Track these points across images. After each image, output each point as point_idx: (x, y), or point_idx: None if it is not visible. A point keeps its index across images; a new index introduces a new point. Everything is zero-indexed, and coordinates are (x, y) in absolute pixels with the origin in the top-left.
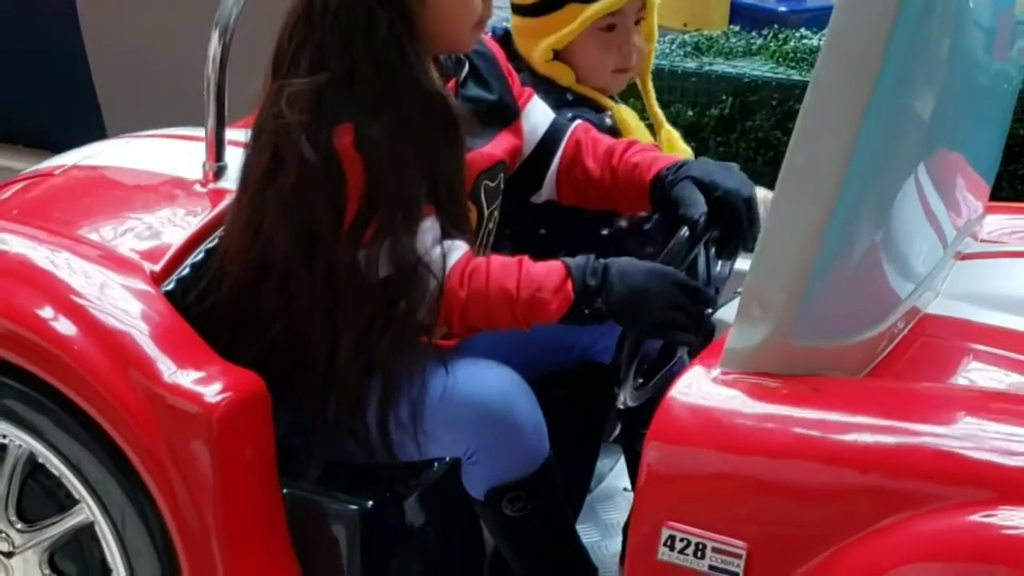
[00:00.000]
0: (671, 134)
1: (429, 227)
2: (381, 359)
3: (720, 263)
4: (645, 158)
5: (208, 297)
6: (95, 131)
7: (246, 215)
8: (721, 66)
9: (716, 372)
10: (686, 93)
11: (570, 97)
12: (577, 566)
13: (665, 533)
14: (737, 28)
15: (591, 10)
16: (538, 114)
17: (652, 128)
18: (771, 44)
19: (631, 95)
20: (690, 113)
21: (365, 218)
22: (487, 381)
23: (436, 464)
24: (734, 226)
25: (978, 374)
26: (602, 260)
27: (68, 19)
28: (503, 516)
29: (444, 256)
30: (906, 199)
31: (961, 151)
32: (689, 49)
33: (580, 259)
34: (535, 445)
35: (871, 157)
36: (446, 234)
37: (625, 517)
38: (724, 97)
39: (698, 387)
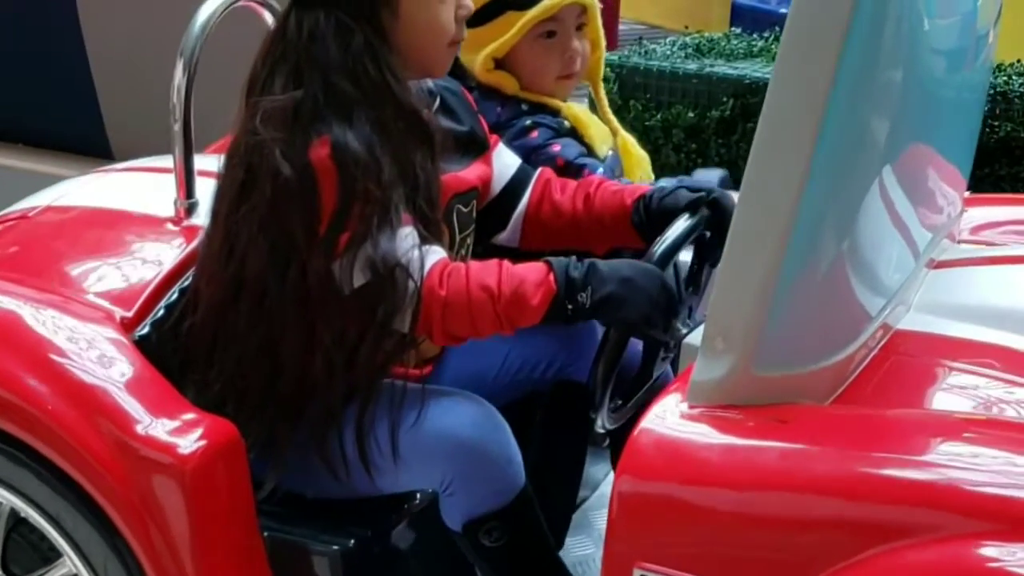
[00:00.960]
0: (626, 139)
1: (408, 233)
2: (358, 376)
3: (707, 269)
4: (626, 186)
5: (184, 321)
6: (96, 130)
7: (221, 234)
8: (722, 68)
9: (683, 405)
10: (687, 95)
11: (525, 107)
12: None
13: (637, 574)
14: (738, 30)
15: (527, 16)
16: (506, 158)
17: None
18: (772, 46)
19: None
20: (691, 115)
21: (339, 227)
22: (460, 413)
23: (417, 497)
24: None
25: (954, 392)
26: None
27: (68, 18)
28: (482, 547)
29: (422, 259)
30: (871, 211)
31: (930, 154)
32: (690, 51)
33: (560, 258)
34: (509, 477)
35: (831, 170)
36: (424, 241)
37: None
38: (725, 99)
39: (666, 420)
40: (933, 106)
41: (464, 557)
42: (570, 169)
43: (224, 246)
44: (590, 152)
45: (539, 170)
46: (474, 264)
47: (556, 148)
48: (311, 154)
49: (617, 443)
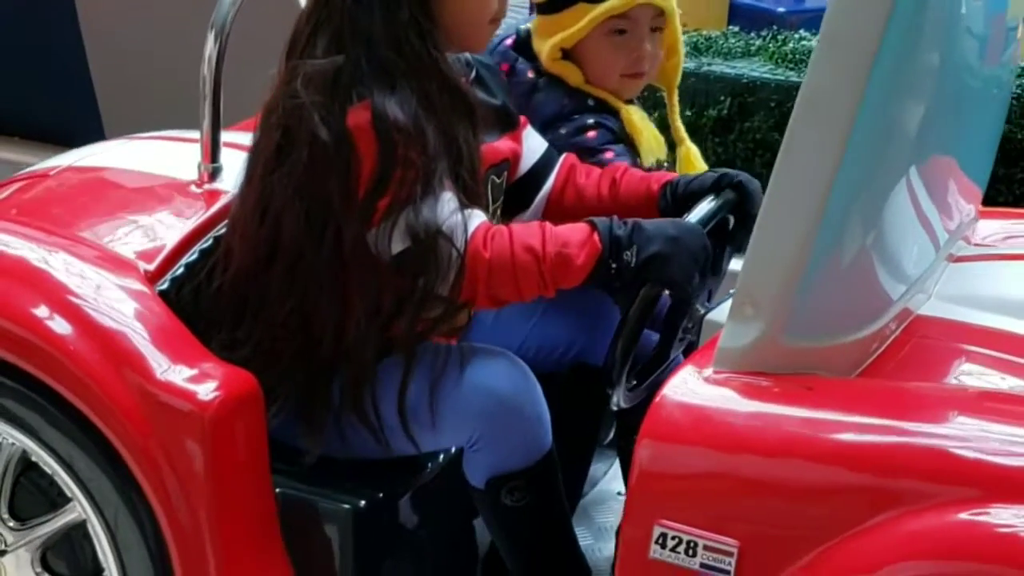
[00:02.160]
0: (691, 150)
1: (449, 199)
2: (399, 341)
3: (728, 253)
4: (652, 173)
5: (213, 281)
6: (93, 124)
7: (255, 196)
8: (719, 67)
9: (708, 371)
10: (684, 93)
11: (591, 102)
12: (572, 564)
13: (657, 531)
14: (736, 29)
15: (598, 10)
16: (532, 141)
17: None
18: (770, 45)
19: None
20: (688, 113)
21: (378, 193)
22: (498, 369)
23: (430, 464)
24: (751, 212)
25: (970, 375)
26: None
27: (65, 10)
28: (501, 506)
29: (465, 222)
30: (897, 201)
31: (953, 155)
32: (687, 49)
33: (603, 218)
34: (539, 436)
35: (862, 159)
36: (464, 207)
37: (618, 521)
38: (722, 98)
39: (690, 386)
40: (962, 104)
41: (470, 529)
42: None
43: (258, 208)
44: (634, 163)
45: (564, 155)
46: (516, 226)
47: (609, 155)
48: (350, 119)
49: (622, 435)
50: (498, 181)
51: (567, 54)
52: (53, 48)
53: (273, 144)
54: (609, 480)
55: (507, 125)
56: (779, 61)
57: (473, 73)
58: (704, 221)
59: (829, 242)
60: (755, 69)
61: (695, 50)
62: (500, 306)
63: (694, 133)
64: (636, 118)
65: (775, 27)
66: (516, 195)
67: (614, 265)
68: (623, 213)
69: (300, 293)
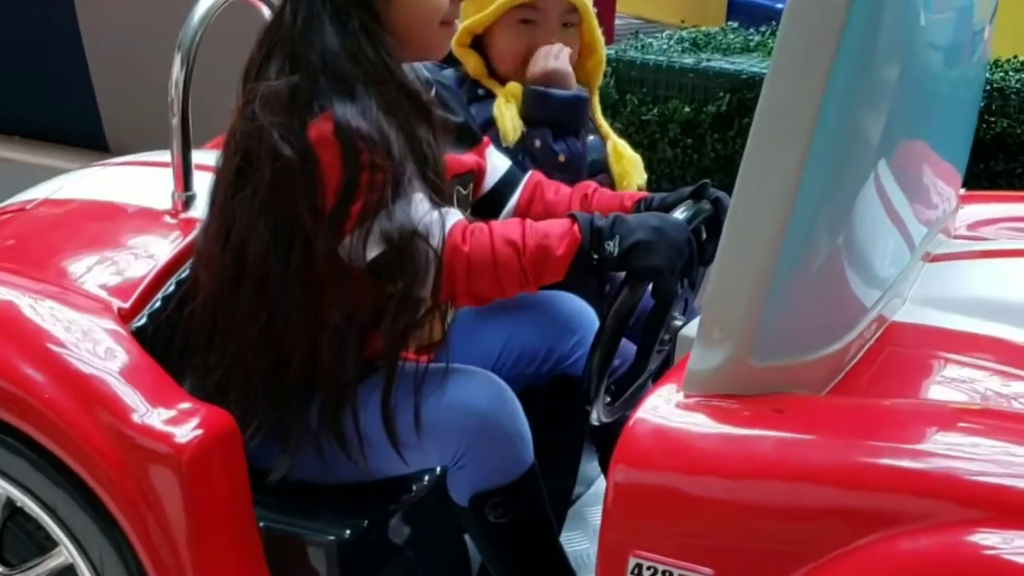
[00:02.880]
0: (617, 144)
1: (421, 199)
2: (380, 353)
3: (701, 268)
4: (626, 192)
5: (182, 311)
6: (90, 122)
7: (218, 220)
8: (719, 62)
9: (679, 395)
10: (683, 89)
11: (481, 92)
12: None
13: (632, 562)
14: (735, 24)
15: None
16: (495, 159)
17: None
18: (769, 41)
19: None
20: (687, 109)
21: (348, 200)
22: (475, 387)
23: (413, 488)
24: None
25: (949, 383)
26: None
27: (65, 9)
28: (487, 523)
29: (442, 219)
30: (867, 204)
31: (926, 149)
32: (687, 45)
33: (584, 212)
34: (520, 453)
35: (827, 163)
36: (439, 205)
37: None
38: (722, 93)
39: (661, 410)
40: (929, 101)
41: (462, 548)
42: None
43: (221, 232)
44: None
45: (529, 172)
46: (495, 222)
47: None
48: (312, 132)
49: (605, 446)
50: (464, 192)
51: (476, 43)
52: (52, 46)
53: (233, 168)
54: (603, 479)
55: (470, 140)
56: None
57: (432, 91)
58: (686, 220)
59: (794, 258)
60: (754, 65)
61: (694, 46)
62: (481, 303)
63: (693, 129)
64: (502, 106)
65: (774, 22)
66: (481, 212)
67: (595, 256)
68: None
69: (268, 312)
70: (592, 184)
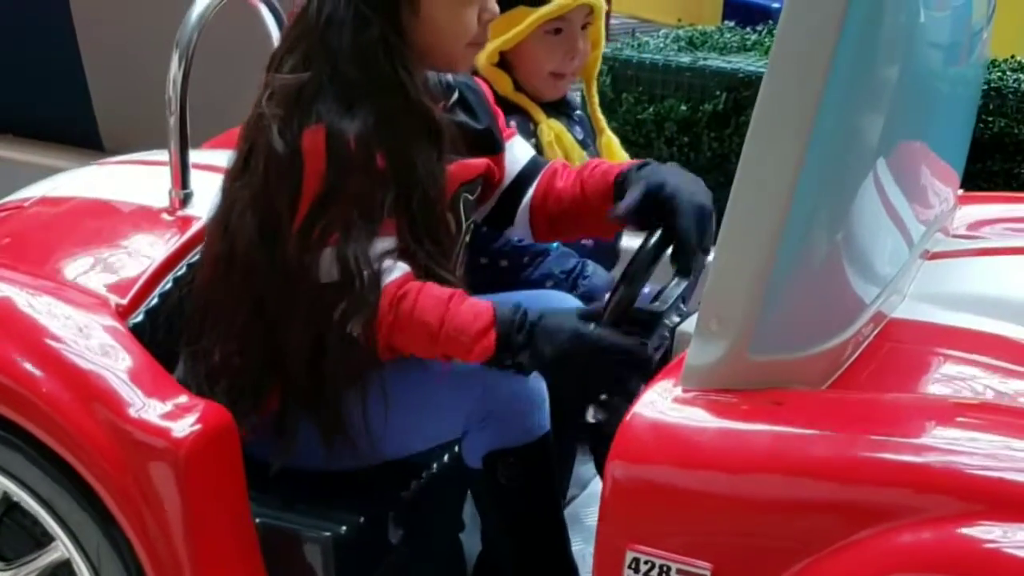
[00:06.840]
0: (611, 140)
1: (382, 241)
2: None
3: (675, 282)
4: (613, 164)
5: (181, 306)
6: (85, 120)
7: (221, 208)
8: (715, 61)
9: (677, 390)
10: (680, 88)
11: (515, 117)
12: (561, 555)
13: (629, 556)
14: (731, 24)
15: (539, 13)
16: (519, 150)
17: (584, 143)
18: (765, 40)
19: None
20: (683, 108)
21: (315, 218)
22: None
23: (411, 484)
24: (682, 233)
25: (947, 380)
26: (533, 314)
27: (60, 8)
28: (497, 486)
29: (383, 273)
30: (866, 201)
31: (924, 149)
32: (683, 44)
33: (508, 311)
34: (538, 418)
35: (825, 160)
36: (407, 250)
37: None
38: (718, 92)
39: (659, 405)
40: (927, 101)
41: (457, 544)
42: None
43: (222, 219)
44: None
45: (550, 162)
46: (425, 293)
47: None
48: (305, 138)
49: (600, 447)
50: (471, 198)
51: (503, 59)
52: (47, 45)
53: (240, 155)
54: (598, 481)
55: (487, 149)
56: None
57: (456, 95)
58: (628, 299)
59: (793, 254)
60: (751, 64)
61: (691, 45)
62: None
63: (690, 128)
64: (552, 136)
65: (770, 21)
66: (500, 209)
67: (509, 362)
68: (592, 213)
69: (257, 303)
70: (593, 162)
